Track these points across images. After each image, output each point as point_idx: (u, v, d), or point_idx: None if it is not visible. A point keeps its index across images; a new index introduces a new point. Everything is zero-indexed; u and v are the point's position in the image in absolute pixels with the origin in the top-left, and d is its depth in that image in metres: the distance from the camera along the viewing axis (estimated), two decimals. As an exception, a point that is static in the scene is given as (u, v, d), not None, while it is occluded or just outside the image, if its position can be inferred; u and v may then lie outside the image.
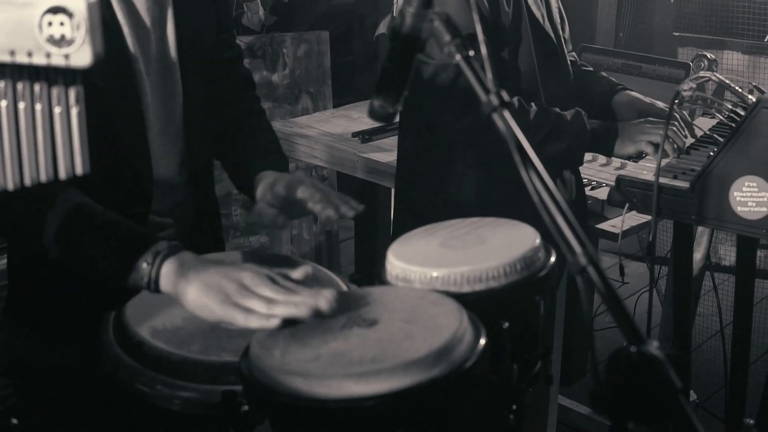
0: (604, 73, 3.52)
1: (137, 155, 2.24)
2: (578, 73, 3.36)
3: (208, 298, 1.81)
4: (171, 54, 2.30)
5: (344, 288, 2.05)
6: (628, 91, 3.31)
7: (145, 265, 1.88)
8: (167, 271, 1.87)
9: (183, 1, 2.32)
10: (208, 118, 2.42)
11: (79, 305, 2.17)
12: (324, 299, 1.74)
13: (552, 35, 3.05)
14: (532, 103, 2.87)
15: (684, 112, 3.04)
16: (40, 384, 2.31)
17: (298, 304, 1.73)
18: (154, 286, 1.88)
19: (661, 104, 3.19)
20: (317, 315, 1.72)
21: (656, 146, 2.93)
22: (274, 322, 1.73)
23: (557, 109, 2.92)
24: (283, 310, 1.73)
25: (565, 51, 3.17)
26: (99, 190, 2.07)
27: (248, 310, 1.77)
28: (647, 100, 3.24)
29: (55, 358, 2.27)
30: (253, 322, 1.75)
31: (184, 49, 2.32)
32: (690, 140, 2.99)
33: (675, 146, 2.88)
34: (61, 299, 2.23)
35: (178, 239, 2.20)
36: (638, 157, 3.13)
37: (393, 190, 3.46)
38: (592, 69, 3.49)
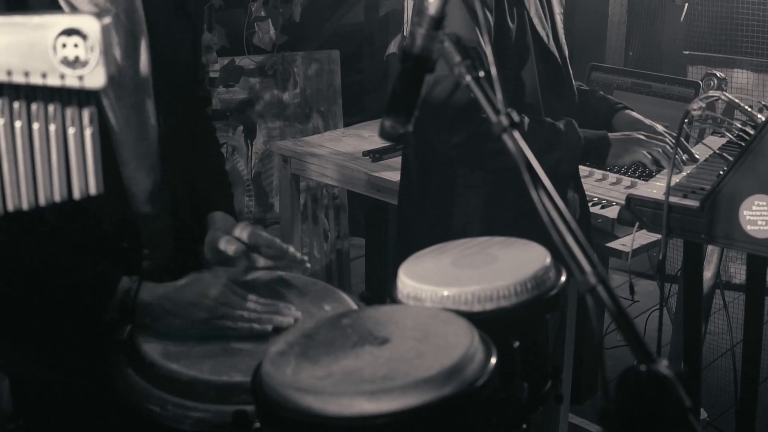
0: (602, 93, 3.53)
1: (112, 192, 2.23)
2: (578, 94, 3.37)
3: (190, 333, 2.04)
4: (145, 84, 2.29)
5: (354, 306, 2.05)
6: (627, 111, 3.32)
7: (118, 305, 2.10)
8: (141, 316, 2.09)
9: (159, 31, 2.31)
10: (182, 142, 2.43)
11: (90, 327, 2.18)
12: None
13: (556, 54, 3.05)
14: (524, 115, 2.86)
15: (682, 139, 3.04)
16: (49, 407, 2.31)
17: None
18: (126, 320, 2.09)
19: (660, 127, 3.19)
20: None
21: (653, 158, 2.95)
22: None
23: (549, 119, 2.93)
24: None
25: (570, 71, 3.17)
26: (83, 229, 2.10)
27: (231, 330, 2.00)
28: (647, 121, 3.25)
29: (64, 380, 2.27)
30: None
31: (158, 78, 2.31)
32: (686, 156, 3.01)
33: (679, 160, 2.90)
34: (65, 321, 2.24)
35: (157, 267, 2.27)
36: (648, 175, 3.14)
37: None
38: (588, 89, 3.50)
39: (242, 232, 2.29)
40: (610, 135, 3.02)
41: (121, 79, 2.23)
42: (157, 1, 2.33)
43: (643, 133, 3.07)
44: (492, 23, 2.83)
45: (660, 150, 3.00)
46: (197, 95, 2.58)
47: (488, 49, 1.68)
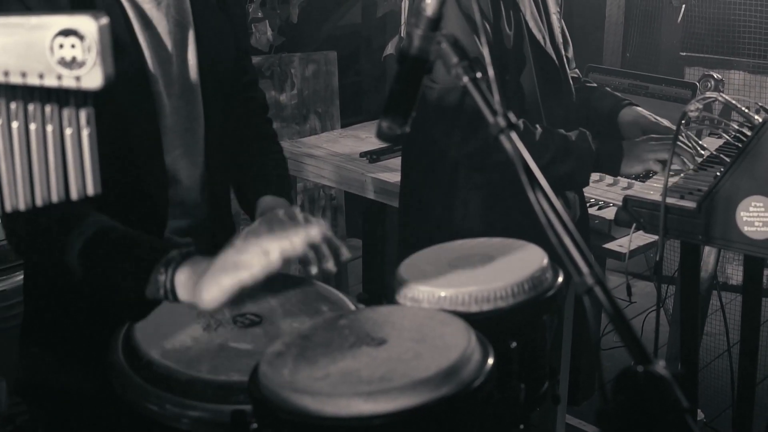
0: (608, 89, 3.52)
1: (152, 176, 2.25)
2: (582, 90, 3.36)
3: (219, 286, 1.81)
4: (192, 76, 2.32)
5: (352, 307, 2.05)
6: (633, 107, 3.30)
7: (160, 277, 1.88)
8: (182, 280, 1.88)
9: (204, 25, 2.34)
10: (227, 141, 2.44)
11: (94, 326, 2.18)
12: (315, 229, 1.85)
13: (554, 57, 3.05)
14: (537, 125, 2.87)
15: (690, 133, 3.04)
16: (53, 404, 2.32)
17: (292, 241, 1.81)
18: (171, 296, 1.89)
19: (666, 122, 3.18)
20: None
21: (664, 163, 2.93)
22: (274, 257, 1.79)
23: (562, 131, 2.93)
24: (278, 246, 1.80)
25: (568, 72, 3.17)
26: (113, 209, 2.08)
27: (249, 265, 1.80)
28: (652, 117, 3.23)
29: (69, 379, 2.27)
30: (256, 269, 1.79)
31: (204, 72, 2.33)
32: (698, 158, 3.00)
33: (683, 160, 2.89)
34: (77, 320, 2.24)
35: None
36: (645, 176, 3.14)
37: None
38: (596, 85, 3.49)
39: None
40: (624, 144, 3.00)
41: (170, 68, 2.27)
42: None
43: (653, 136, 3.05)
44: (489, 30, 2.83)
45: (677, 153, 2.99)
46: (248, 95, 2.59)
47: (486, 51, 1.68)
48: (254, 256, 1.80)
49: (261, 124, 2.64)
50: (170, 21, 2.26)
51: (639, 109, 3.30)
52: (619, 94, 3.49)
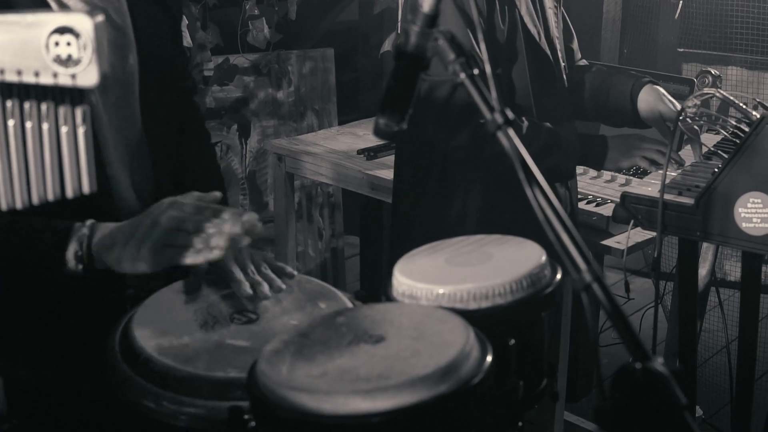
0: (624, 68, 3.49)
1: (100, 192, 2.21)
2: (595, 73, 3.34)
3: (140, 255, 1.93)
4: (131, 80, 2.27)
5: (349, 305, 2.05)
6: (655, 86, 3.25)
7: (74, 252, 2.00)
8: (97, 252, 1.99)
9: (142, 21, 2.29)
10: (172, 140, 2.41)
11: (86, 322, 2.18)
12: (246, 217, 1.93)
13: (548, 52, 3.05)
14: (524, 118, 2.87)
15: (695, 126, 3.02)
16: (42, 404, 2.31)
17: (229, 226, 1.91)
18: (90, 270, 2.00)
19: (677, 105, 3.13)
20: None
21: (650, 161, 2.95)
22: (217, 253, 1.91)
23: (548, 124, 2.93)
24: (219, 242, 1.91)
25: (562, 66, 3.17)
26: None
27: (184, 248, 1.91)
28: (670, 99, 3.18)
29: (57, 377, 2.27)
30: (197, 258, 1.92)
31: (145, 71, 2.29)
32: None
33: (672, 161, 2.90)
34: (67, 316, 2.23)
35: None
36: (643, 173, 3.14)
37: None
38: (608, 67, 3.46)
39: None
40: (609, 138, 3.01)
41: (108, 75, 2.22)
42: None
43: (640, 135, 3.06)
44: (483, 25, 2.83)
45: (657, 151, 3.00)
46: (181, 86, 2.55)
47: (483, 47, 1.68)
48: (192, 241, 1.92)
49: (191, 115, 2.61)
50: (109, 27, 2.18)
51: (659, 89, 3.23)
52: (634, 72, 3.45)
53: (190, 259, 1.93)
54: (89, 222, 2.03)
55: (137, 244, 1.95)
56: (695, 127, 2.94)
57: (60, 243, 2.01)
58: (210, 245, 1.92)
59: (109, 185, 2.24)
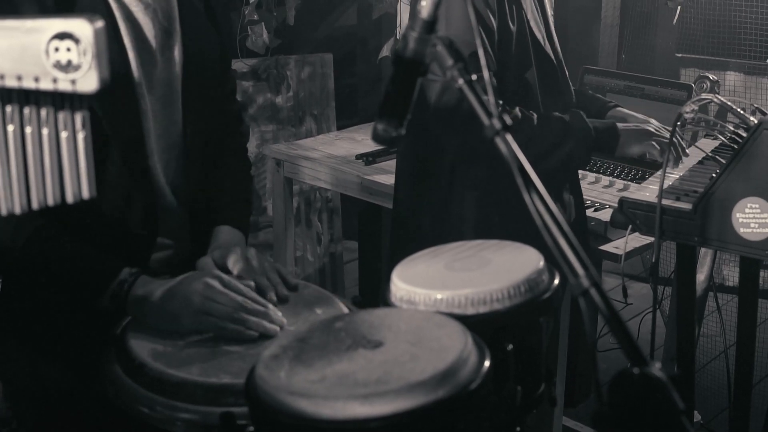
0: (591, 92, 3.54)
1: (140, 179, 2.26)
2: None
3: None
4: (175, 81, 2.32)
5: (345, 310, 2.05)
6: (619, 108, 3.32)
7: (110, 295, 2.11)
8: (130, 304, 2.10)
9: (191, 33, 2.34)
10: (208, 145, 2.44)
11: (81, 328, 2.19)
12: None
13: (552, 56, 3.06)
14: (531, 111, 2.87)
15: (682, 135, 3.05)
16: (39, 408, 2.31)
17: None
18: (120, 311, 2.10)
19: (654, 122, 3.19)
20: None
21: (661, 149, 2.95)
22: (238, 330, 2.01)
23: (557, 113, 2.93)
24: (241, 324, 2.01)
25: (566, 71, 3.18)
26: (102, 213, 2.10)
27: (216, 323, 2.01)
28: (640, 116, 3.24)
29: (53, 381, 2.27)
30: (227, 329, 2.01)
31: (188, 77, 2.33)
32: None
33: (674, 156, 2.91)
34: (61, 322, 2.24)
35: (177, 260, 2.26)
36: (641, 178, 3.14)
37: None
38: (577, 89, 3.50)
39: (234, 265, 2.28)
40: (619, 125, 3.02)
41: (153, 71, 2.27)
42: (189, 4, 2.37)
43: (652, 125, 3.08)
44: (495, 27, 2.83)
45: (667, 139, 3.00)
46: (226, 107, 2.60)
47: (481, 52, 1.68)
48: (226, 317, 2.02)
49: (233, 138, 2.65)
50: (156, 26, 2.26)
51: (625, 110, 3.31)
52: (603, 98, 3.50)
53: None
54: (134, 270, 2.14)
55: (168, 324, 2.06)
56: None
57: (102, 284, 2.12)
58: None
59: (149, 174, 2.30)
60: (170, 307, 2.03)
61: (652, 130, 3.05)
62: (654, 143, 3.00)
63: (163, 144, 2.31)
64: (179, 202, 2.37)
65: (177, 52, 2.32)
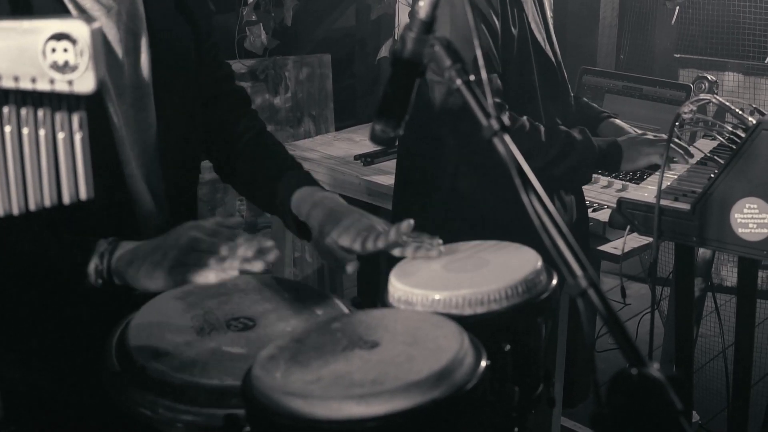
0: (585, 100, 3.54)
1: (116, 189, 2.23)
2: None
3: (157, 273, 1.97)
4: (145, 83, 2.28)
5: (346, 310, 2.05)
6: (612, 120, 3.34)
7: (94, 267, 2.04)
8: (116, 268, 2.04)
9: (159, 31, 2.31)
10: (188, 144, 2.42)
11: (82, 330, 2.18)
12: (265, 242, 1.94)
13: (552, 58, 3.06)
14: (539, 123, 2.88)
15: (682, 136, 3.06)
16: (38, 411, 2.31)
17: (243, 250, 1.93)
18: (108, 285, 2.05)
19: (650, 135, 3.20)
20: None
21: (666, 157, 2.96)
22: (231, 274, 1.93)
23: (565, 128, 2.94)
24: (232, 263, 1.92)
25: (565, 73, 3.18)
26: (84, 225, 2.10)
27: (198, 267, 1.94)
28: (633, 130, 3.26)
29: (53, 384, 2.27)
30: (209, 278, 1.94)
31: (160, 76, 2.30)
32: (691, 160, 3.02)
33: (682, 154, 2.93)
34: (63, 324, 2.23)
35: None
36: (639, 178, 3.14)
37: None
38: (573, 95, 3.51)
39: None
40: (619, 140, 3.03)
41: (121, 76, 2.24)
42: (156, 1, 2.33)
43: (650, 133, 3.09)
44: (499, 28, 2.84)
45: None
46: (224, 89, 2.58)
47: (479, 53, 1.68)
48: (208, 261, 1.95)
49: (249, 118, 2.61)
50: (121, 29, 2.22)
51: (619, 122, 3.33)
52: (598, 107, 3.51)
53: (202, 278, 1.94)
54: (111, 239, 2.08)
55: (154, 262, 1.98)
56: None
57: (83, 257, 2.06)
58: (224, 266, 1.93)
59: (125, 184, 2.27)
60: (157, 242, 2.02)
61: (651, 137, 3.06)
62: (657, 153, 3.00)
63: (138, 150, 2.27)
64: (160, 206, 2.35)
65: (145, 54, 2.27)
